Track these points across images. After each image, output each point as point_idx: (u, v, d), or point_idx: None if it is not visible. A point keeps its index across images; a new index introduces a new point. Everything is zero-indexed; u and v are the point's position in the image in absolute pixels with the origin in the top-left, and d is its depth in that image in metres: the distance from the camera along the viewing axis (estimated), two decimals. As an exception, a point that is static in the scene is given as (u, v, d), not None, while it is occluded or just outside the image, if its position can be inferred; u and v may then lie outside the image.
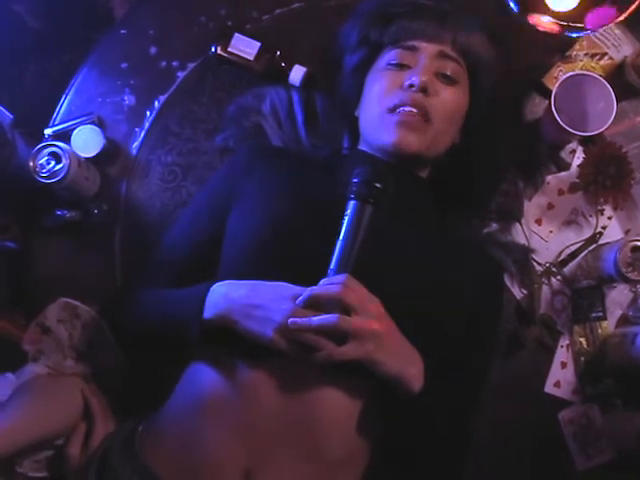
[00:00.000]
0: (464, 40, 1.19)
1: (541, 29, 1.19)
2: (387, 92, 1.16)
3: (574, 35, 1.19)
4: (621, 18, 1.12)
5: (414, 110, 1.13)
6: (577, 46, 1.38)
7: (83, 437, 1.13)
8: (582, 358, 1.35)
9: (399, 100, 1.14)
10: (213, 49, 1.37)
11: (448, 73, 1.17)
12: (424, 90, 1.13)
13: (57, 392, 1.15)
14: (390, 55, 1.20)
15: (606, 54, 1.39)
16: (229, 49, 1.36)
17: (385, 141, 1.14)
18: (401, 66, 1.18)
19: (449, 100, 1.17)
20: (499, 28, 1.27)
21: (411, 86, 1.14)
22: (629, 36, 1.39)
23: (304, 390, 1.00)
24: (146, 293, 1.15)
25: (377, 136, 1.16)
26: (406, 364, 0.99)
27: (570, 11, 1.14)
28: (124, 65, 1.40)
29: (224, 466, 1.00)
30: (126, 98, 1.39)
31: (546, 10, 1.16)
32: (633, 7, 1.10)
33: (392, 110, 1.14)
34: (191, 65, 1.40)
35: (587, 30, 1.15)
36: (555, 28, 1.17)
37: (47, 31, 1.61)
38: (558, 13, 1.15)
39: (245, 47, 1.36)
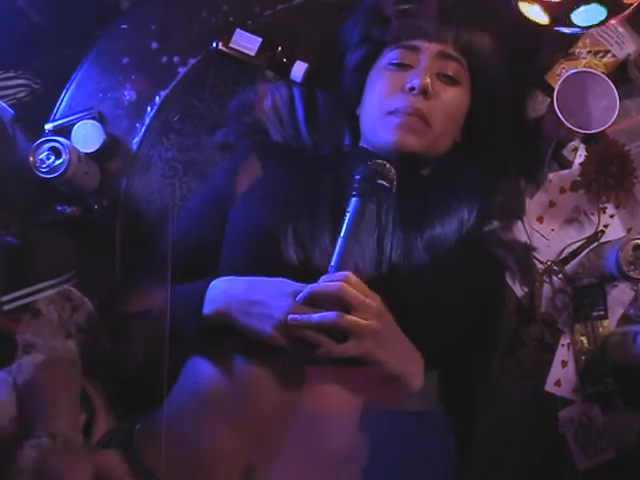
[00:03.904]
0: (465, 39, 1.19)
1: (532, 19, 1.18)
2: (388, 94, 1.16)
3: (564, 30, 1.17)
4: (612, 22, 1.11)
5: (415, 115, 1.13)
6: (580, 43, 1.37)
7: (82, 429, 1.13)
8: (583, 357, 1.34)
9: (400, 105, 1.14)
10: (214, 45, 1.37)
11: (449, 73, 1.17)
12: (425, 93, 1.14)
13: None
14: (391, 54, 1.20)
15: (609, 52, 1.38)
16: (230, 45, 1.36)
17: (385, 141, 1.14)
18: (402, 66, 1.18)
19: (450, 101, 1.17)
20: (501, 26, 1.27)
21: (412, 89, 1.14)
22: (632, 34, 1.38)
23: (303, 387, 1.00)
24: (146, 289, 1.15)
25: (377, 136, 1.17)
26: (406, 362, 0.99)
27: (558, 2, 1.12)
28: (125, 60, 1.40)
29: (223, 464, 1.00)
30: (127, 93, 1.39)
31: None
32: (628, 11, 1.09)
33: (392, 113, 1.14)
34: (192, 61, 1.40)
35: (576, 27, 1.13)
36: (545, 19, 1.15)
37: (49, 25, 1.60)
38: (547, 3, 1.13)
39: (246, 43, 1.36)
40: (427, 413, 1.06)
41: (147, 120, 1.38)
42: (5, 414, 1.03)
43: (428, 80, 1.14)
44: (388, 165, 1.04)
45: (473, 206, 1.31)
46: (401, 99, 1.14)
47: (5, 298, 1.25)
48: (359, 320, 0.94)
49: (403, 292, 1.03)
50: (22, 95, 1.44)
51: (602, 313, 1.34)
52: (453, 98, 1.17)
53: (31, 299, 1.26)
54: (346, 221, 1.00)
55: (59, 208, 1.32)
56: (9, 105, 1.38)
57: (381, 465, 1.00)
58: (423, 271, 1.08)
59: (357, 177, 1.02)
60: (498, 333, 1.25)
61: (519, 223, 1.35)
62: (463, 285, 1.10)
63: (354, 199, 1.01)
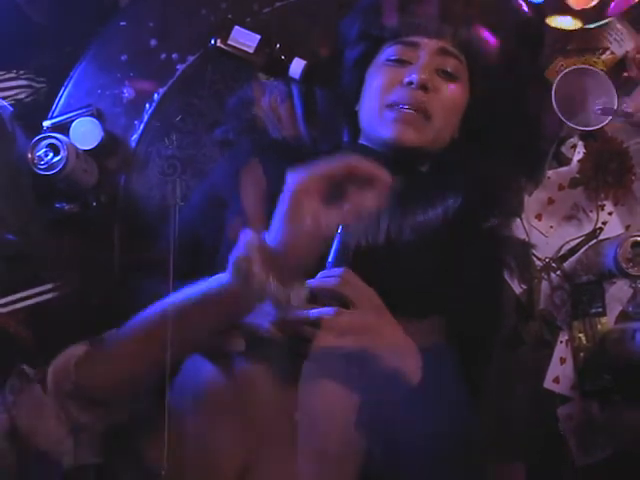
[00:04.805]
0: (464, 36, 1.19)
1: (563, 29, 1.20)
2: (387, 88, 1.16)
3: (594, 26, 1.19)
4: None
5: (413, 109, 1.13)
6: (579, 40, 1.37)
7: None
8: (581, 354, 1.34)
9: (398, 97, 1.14)
10: (213, 42, 1.37)
11: (448, 69, 1.18)
12: (424, 87, 1.14)
13: None
14: (390, 51, 1.20)
15: (608, 49, 1.38)
16: (229, 42, 1.36)
17: (384, 135, 1.14)
18: (401, 62, 1.18)
19: (449, 96, 1.17)
20: (500, 23, 1.27)
21: (410, 83, 1.14)
22: (631, 31, 1.38)
23: (302, 385, 1.00)
24: (145, 287, 1.14)
25: (376, 131, 1.17)
26: (403, 357, 0.99)
27: (592, 7, 1.14)
28: (124, 57, 1.40)
29: (221, 459, 1.00)
30: (125, 91, 1.39)
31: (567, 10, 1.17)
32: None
33: (391, 106, 1.14)
34: (191, 58, 1.40)
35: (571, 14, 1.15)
36: (578, 24, 1.17)
37: (49, 24, 1.60)
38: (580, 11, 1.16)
39: (245, 40, 1.36)
40: (433, 347, 1.06)
41: (145, 117, 1.38)
42: None
43: (427, 74, 1.14)
44: (385, 161, 1.04)
45: (471, 203, 1.31)
46: (400, 92, 1.14)
47: (3, 301, 1.25)
48: (356, 315, 0.94)
49: (400, 287, 1.03)
50: (22, 96, 1.44)
51: (600, 310, 1.34)
52: (452, 93, 1.17)
53: (30, 302, 1.26)
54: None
55: (57, 205, 1.32)
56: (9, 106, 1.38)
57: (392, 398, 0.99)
58: (420, 266, 1.08)
59: None
60: (499, 326, 1.25)
61: (517, 220, 1.35)
62: (462, 278, 1.11)
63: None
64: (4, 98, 1.40)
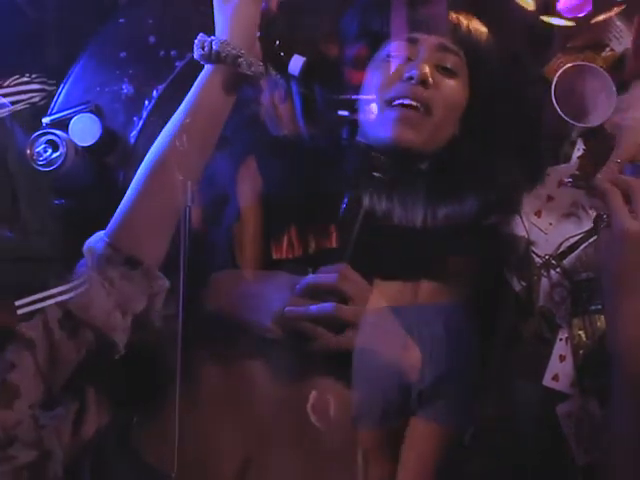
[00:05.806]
0: (464, 32, 1.20)
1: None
2: (386, 84, 1.17)
3: (548, 20, 1.20)
4: (599, 18, 1.13)
5: (413, 103, 1.13)
6: (578, 37, 1.37)
7: (73, 419, 1.11)
8: (581, 351, 1.34)
9: (398, 92, 1.14)
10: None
11: (448, 66, 1.18)
12: (423, 83, 1.14)
13: None
14: (390, 47, 1.20)
15: (607, 46, 1.38)
16: (228, 38, 1.36)
17: (382, 135, 1.14)
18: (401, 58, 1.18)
19: (449, 92, 1.17)
20: (499, 20, 1.27)
21: (410, 78, 1.14)
22: (631, 28, 1.38)
23: (301, 379, 1.00)
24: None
25: (376, 130, 1.17)
26: (402, 353, 0.99)
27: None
28: (123, 54, 1.40)
29: (222, 455, 1.00)
30: (124, 87, 1.39)
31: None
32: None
33: (391, 102, 1.14)
34: (190, 55, 1.39)
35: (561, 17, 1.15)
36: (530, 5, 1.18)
37: (46, 21, 1.61)
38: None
39: (244, 36, 1.36)
40: (450, 305, 1.09)
41: (144, 114, 1.38)
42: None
43: (427, 70, 1.14)
44: (384, 159, 1.05)
45: (471, 200, 1.31)
46: (400, 87, 1.14)
47: (19, 302, 1.25)
48: (356, 310, 0.94)
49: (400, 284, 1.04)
50: (36, 100, 1.44)
51: (600, 307, 1.33)
52: (452, 90, 1.18)
53: (44, 304, 1.25)
54: (341, 214, 1.00)
55: (56, 202, 1.32)
56: (23, 109, 1.38)
57: None
58: (420, 263, 1.08)
59: (352, 170, 1.03)
60: (504, 318, 1.26)
61: (517, 217, 1.35)
62: (462, 275, 1.11)
63: (349, 192, 1.01)
64: (19, 102, 1.41)
